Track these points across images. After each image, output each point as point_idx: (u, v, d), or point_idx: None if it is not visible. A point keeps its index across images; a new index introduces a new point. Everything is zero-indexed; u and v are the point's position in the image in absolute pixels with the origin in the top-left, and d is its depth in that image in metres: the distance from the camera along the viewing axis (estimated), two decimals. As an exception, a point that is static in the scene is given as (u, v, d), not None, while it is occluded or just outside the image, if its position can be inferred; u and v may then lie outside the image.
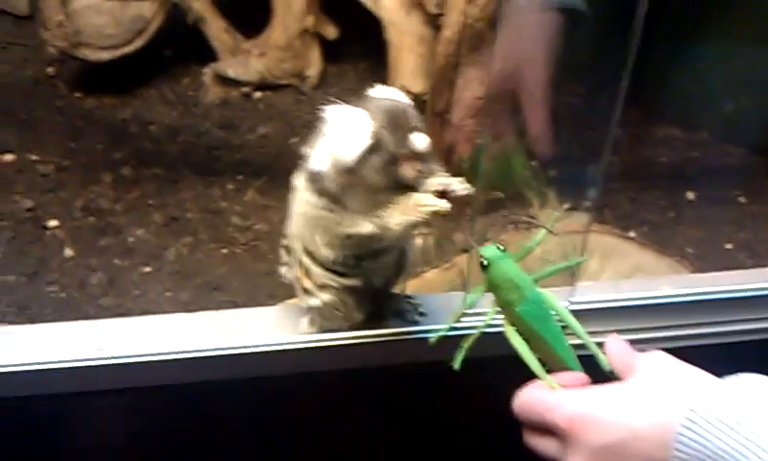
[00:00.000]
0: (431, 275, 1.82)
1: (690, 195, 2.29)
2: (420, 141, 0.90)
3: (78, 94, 2.46)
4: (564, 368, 0.88)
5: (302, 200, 0.98)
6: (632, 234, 2.20)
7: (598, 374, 0.86)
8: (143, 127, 2.37)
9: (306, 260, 1.02)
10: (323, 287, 1.03)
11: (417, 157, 0.90)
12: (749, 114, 2.40)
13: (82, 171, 2.21)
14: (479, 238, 0.91)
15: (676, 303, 1.15)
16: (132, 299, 1.91)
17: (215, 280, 2.00)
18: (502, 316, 0.91)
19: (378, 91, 0.96)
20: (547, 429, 0.82)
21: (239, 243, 2.09)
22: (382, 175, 0.90)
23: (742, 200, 2.31)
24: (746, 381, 0.75)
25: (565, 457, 0.80)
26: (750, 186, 2.34)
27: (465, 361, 0.91)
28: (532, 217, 0.91)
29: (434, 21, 2.09)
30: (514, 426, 0.85)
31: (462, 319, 0.97)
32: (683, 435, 0.72)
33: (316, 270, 1.02)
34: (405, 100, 0.94)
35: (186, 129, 2.38)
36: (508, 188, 2.11)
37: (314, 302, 1.04)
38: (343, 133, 0.89)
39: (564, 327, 0.91)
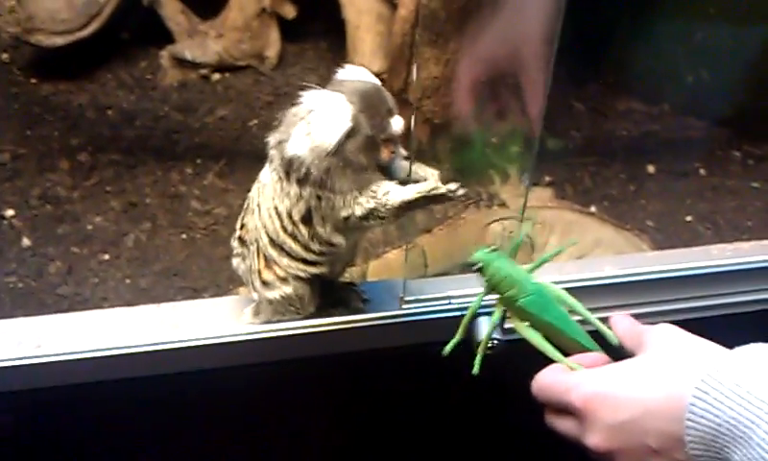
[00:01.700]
0: (392, 255, 1.82)
1: (651, 168, 2.29)
2: (396, 124, 0.91)
3: (33, 80, 2.42)
4: (580, 349, 0.90)
5: (275, 194, 0.97)
6: (593, 209, 2.21)
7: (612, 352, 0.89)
8: (100, 112, 2.33)
9: (273, 252, 1.01)
10: (284, 280, 1.02)
11: (392, 139, 0.92)
12: (709, 87, 2.41)
13: (38, 159, 2.18)
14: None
15: (617, 284, 1.15)
16: (90, 287, 1.89)
17: (174, 266, 1.99)
18: (511, 318, 0.93)
19: (347, 72, 0.96)
20: (566, 410, 0.85)
21: (198, 228, 2.07)
22: (362, 157, 0.91)
23: (702, 172, 2.32)
24: (755, 351, 0.76)
25: (583, 436, 0.83)
26: (710, 159, 2.36)
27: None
28: (491, 195, 0.93)
29: (390, 0, 2.08)
30: (467, 411, 0.86)
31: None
32: (694, 406, 0.73)
33: (284, 261, 1.01)
34: (375, 80, 0.94)
35: (144, 113, 2.35)
36: (470, 167, 2.12)
37: (273, 294, 1.03)
38: (321, 118, 0.89)
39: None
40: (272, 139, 0.97)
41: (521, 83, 2.19)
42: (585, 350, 0.91)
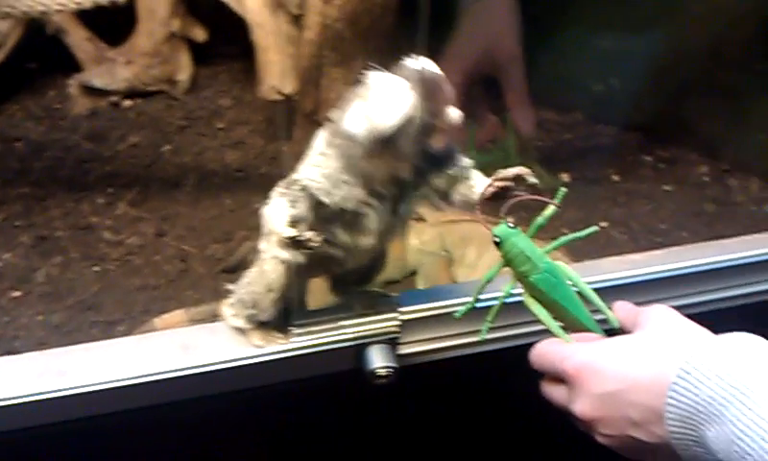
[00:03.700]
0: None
1: (565, 176, 2.32)
2: (454, 114, 0.93)
3: (-63, 115, 2.36)
4: (584, 329, 0.96)
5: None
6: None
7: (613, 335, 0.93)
8: (7, 144, 2.28)
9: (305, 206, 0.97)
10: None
11: (447, 128, 0.94)
12: (618, 94, 2.45)
13: (-58, 196, 2.12)
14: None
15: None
16: (1, 326, 1.85)
17: (88, 299, 1.95)
18: (522, 288, 0.98)
19: (413, 62, 0.94)
20: (559, 378, 0.92)
21: (111, 259, 2.03)
22: (416, 144, 0.93)
23: (615, 178, 2.36)
24: (737, 339, 0.81)
25: (571, 403, 0.89)
26: (622, 164, 2.39)
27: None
28: (541, 197, 0.97)
29: (299, 21, 2.07)
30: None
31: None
32: (676, 384, 0.79)
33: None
34: (438, 72, 0.93)
35: (54, 143, 2.30)
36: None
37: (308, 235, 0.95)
38: (383, 100, 0.89)
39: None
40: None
41: (503, 84, 2.25)
42: (588, 330, 0.96)
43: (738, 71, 2.32)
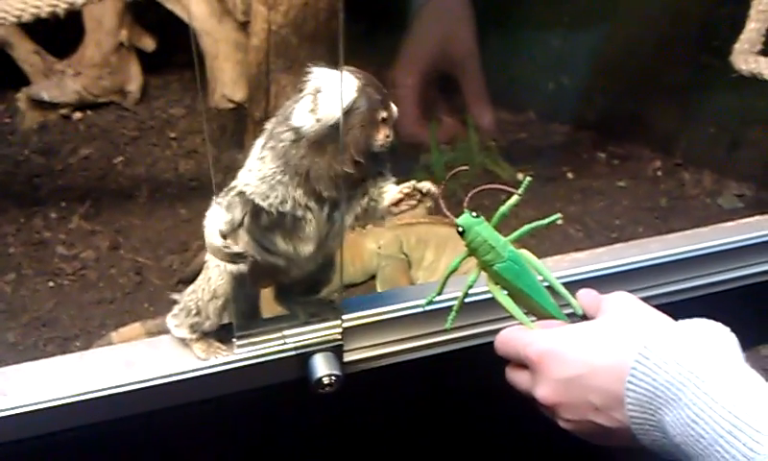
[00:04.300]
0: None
1: (520, 176, 2.33)
2: (394, 107, 0.95)
3: None
4: (548, 316, 0.96)
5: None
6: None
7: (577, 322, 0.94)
8: (-43, 162, 2.26)
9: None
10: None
11: (389, 120, 0.95)
12: (570, 92, 2.47)
13: None
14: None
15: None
16: (-45, 346, 1.82)
17: (43, 316, 1.93)
18: (486, 277, 0.98)
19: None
20: (523, 364, 0.92)
21: (66, 274, 2.02)
22: (361, 134, 0.93)
23: (570, 175, 2.38)
24: (696, 325, 0.83)
25: (534, 388, 0.90)
26: (576, 161, 2.42)
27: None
28: (503, 186, 0.97)
29: (246, 28, 2.06)
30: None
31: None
32: (635, 369, 0.80)
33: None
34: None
35: (3, 158, 2.27)
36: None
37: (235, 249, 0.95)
38: (328, 90, 0.90)
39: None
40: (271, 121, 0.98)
41: (461, 82, 2.25)
42: (552, 317, 0.97)
43: (685, 66, 2.35)
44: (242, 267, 0.96)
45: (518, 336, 0.93)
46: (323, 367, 1.00)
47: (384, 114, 0.94)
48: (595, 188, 2.35)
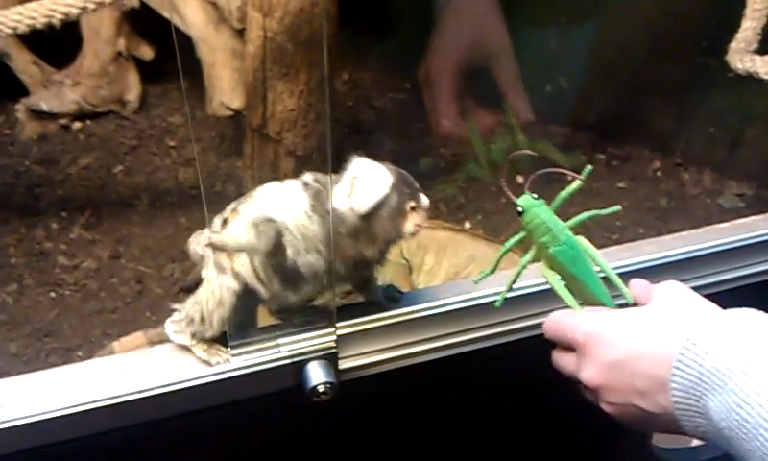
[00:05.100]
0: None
1: (520, 179, 2.32)
2: (425, 199, 0.99)
3: None
4: (599, 303, 0.96)
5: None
6: (467, 225, 2.24)
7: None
8: (-43, 173, 2.26)
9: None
10: (237, 275, 0.99)
11: (419, 210, 0.99)
12: (568, 94, 2.48)
13: None
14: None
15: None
16: (-43, 357, 1.83)
17: (45, 326, 1.94)
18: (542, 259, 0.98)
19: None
20: (569, 347, 0.93)
21: (67, 284, 2.03)
22: (391, 225, 0.98)
23: (569, 177, 2.36)
24: (743, 314, 0.83)
25: (579, 371, 0.91)
26: (576, 163, 2.41)
27: None
28: (566, 170, 0.98)
29: (242, 36, 2.06)
30: None
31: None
32: (683, 355, 0.81)
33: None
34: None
35: (4, 170, 2.28)
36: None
37: (224, 279, 0.99)
38: (365, 180, 0.96)
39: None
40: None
41: (496, 74, 2.25)
42: (603, 305, 0.96)
43: (683, 66, 2.34)
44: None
45: (566, 320, 0.94)
46: (318, 375, 1.00)
47: (413, 204, 0.98)
48: (595, 190, 2.35)
